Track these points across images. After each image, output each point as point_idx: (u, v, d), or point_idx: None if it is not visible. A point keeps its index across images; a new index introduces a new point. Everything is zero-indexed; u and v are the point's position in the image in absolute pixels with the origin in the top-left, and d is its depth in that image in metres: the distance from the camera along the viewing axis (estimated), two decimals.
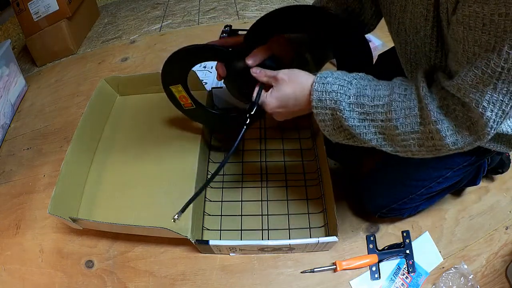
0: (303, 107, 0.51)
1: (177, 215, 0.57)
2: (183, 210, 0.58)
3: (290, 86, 0.51)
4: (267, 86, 0.55)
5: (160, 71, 0.69)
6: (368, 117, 0.45)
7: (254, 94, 0.55)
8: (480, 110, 0.38)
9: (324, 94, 0.47)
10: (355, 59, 0.62)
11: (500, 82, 0.35)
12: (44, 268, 0.77)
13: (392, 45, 0.62)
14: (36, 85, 1.25)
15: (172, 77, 0.70)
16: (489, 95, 0.37)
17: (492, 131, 0.39)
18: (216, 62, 0.63)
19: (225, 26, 0.68)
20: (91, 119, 0.87)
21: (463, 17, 0.36)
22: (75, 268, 0.76)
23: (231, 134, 0.78)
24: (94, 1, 1.60)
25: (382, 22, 0.61)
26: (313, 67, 0.65)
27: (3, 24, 1.62)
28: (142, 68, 1.23)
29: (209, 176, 0.86)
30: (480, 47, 0.35)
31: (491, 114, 0.38)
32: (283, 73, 0.52)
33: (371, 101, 0.45)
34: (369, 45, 0.60)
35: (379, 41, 1.17)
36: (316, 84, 0.48)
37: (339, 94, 0.46)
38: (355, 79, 0.47)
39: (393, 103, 0.43)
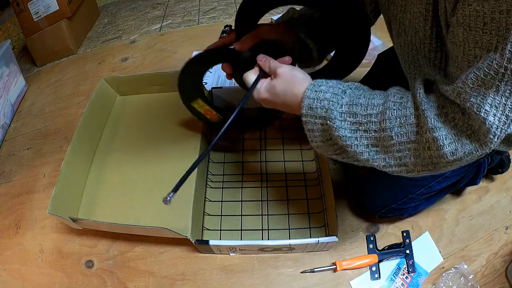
0: (292, 109, 0.49)
1: (169, 197, 0.51)
2: (175, 190, 0.51)
3: (283, 85, 0.49)
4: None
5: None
6: (360, 127, 0.43)
7: (250, 78, 0.53)
8: (482, 115, 0.35)
9: (315, 101, 0.45)
10: (354, 50, 0.62)
11: (503, 84, 0.34)
12: (44, 268, 0.77)
13: (392, 44, 0.62)
14: (36, 85, 1.25)
15: (188, 93, 0.71)
16: (491, 98, 0.35)
17: (496, 139, 0.37)
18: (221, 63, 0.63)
19: (225, 26, 0.69)
20: (91, 119, 0.87)
21: (463, 17, 0.35)
22: (75, 268, 0.76)
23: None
24: (94, 1, 1.60)
25: (382, 22, 0.61)
26: (316, 56, 0.64)
27: (3, 24, 1.62)
28: (142, 68, 1.23)
29: (209, 176, 0.86)
30: (481, 48, 0.34)
31: (494, 119, 0.35)
32: (283, 70, 0.50)
33: (364, 110, 0.43)
34: (369, 38, 0.60)
35: (379, 41, 1.17)
36: (309, 91, 0.46)
37: (331, 102, 0.44)
38: (350, 88, 0.46)
39: (387, 111, 0.41)
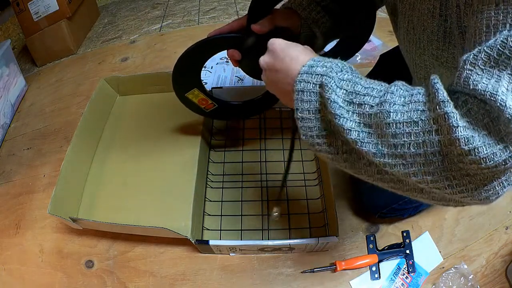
0: (287, 75, 0.43)
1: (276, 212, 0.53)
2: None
3: (289, 49, 0.44)
4: None
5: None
6: (355, 100, 0.36)
7: None
8: (500, 99, 0.28)
9: (318, 62, 0.40)
10: (359, 35, 0.62)
11: None
12: (44, 268, 0.77)
13: (393, 45, 0.62)
14: (36, 85, 1.25)
15: (186, 83, 0.68)
16: (508, 77, 0.29)
17: None
18: (227, 50, 0.61)
19: None
20: (91, 119, 0.87)
21: (482, 6, 0.32)
22: (75, 268, 0.76)
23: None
24: (94, 1, 1.60)
25: (382, 22, 0.61)
26: (321, 42, 0.63)
27: (3, 24, 1.62)
28: (142, 68, 1.23)
29: (209, 176, 0.86)
30: (494, 32, 0.30)
31: None
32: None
33: (363, 89, 0.37)
34: (374, 21, 0.60)
35: (379, 41, 1.17)
36: (311, 61, 0.41)
37: (330, 69, 0.39)
38: (355, 72, 0.40)
39: (392, 87, 0.36)
